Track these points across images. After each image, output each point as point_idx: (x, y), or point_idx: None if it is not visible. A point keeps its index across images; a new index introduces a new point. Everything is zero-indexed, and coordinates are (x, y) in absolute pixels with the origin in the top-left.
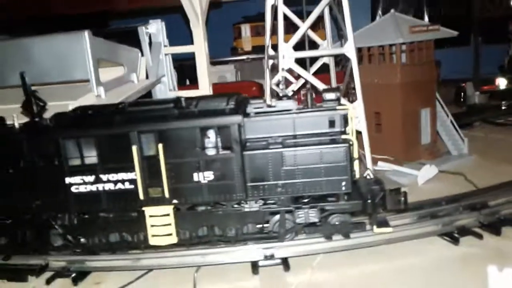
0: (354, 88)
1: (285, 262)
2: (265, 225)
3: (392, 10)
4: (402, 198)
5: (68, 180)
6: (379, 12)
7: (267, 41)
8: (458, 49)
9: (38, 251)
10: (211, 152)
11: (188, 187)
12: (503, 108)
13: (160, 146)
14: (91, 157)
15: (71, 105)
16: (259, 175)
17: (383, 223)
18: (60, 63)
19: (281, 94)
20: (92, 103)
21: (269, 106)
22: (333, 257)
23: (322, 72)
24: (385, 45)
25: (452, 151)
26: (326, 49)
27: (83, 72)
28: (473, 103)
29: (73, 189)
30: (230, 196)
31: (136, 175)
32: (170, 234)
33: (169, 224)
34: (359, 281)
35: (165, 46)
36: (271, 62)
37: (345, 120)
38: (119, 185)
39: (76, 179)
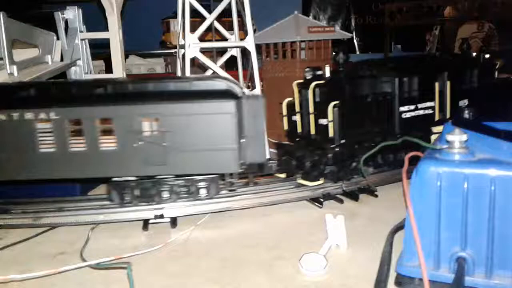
0: None
1: (173, 221)
2: None
3: (296, 12)
4: None
5: (401, 109)
6: None
7: (179, 31)
8: (378, 54)
9: None
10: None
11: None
12: None
13: (448, 82)
14: (413, 91)
15: None
16: None
17: None
18: None
19: None
20: (4, 80)
21: None
22: (217, 217)
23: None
24: (287, 42)
25: None
26: (233, 42)
27: None
28: None
29: (402, 116)
30: None
31: (435, 103)
32: None
33: None
34: (227, 238)
35: (81, 31)
36: (182, 51)
37: None
38: (426, 111)
39: (405, 108)
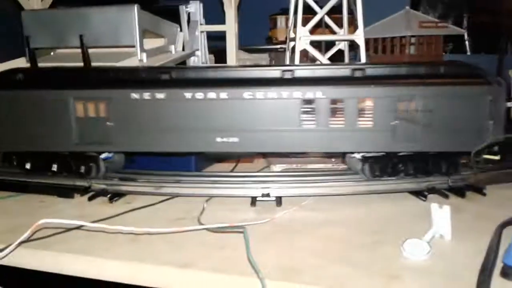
0: None
1: (279, 200)
2: None
3: (407, 7)
4: None
5: None
6: None
7: (290, 25)
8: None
9: None
10: None
11: None
12: None
13: None
14: None
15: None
16: None
17: None
18: (112, 31)
19: None
20: (135, 65)
21: None
22: (320, 201)
23: None
24: (396, 37)
25: None
26: (342, 35)
27: (130, 39)
28: None
29: None
30: None
31: None
32: None
33: None
34: (330, 220)
35: (201, 24)
36: (292, 44)
37: None
38: None
39: None
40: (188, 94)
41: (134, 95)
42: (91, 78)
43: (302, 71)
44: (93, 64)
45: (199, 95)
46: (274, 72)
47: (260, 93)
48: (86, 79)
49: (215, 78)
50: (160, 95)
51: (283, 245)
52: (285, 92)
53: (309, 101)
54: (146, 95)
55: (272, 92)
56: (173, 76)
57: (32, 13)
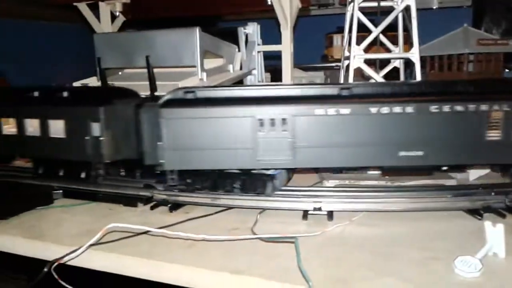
0: None
1: (330, 214)
2: None
3: (465, 25)
4: None
5: None
6: None
7: (345, 44)
8: None
9: None
10: None
11: None
12: None
13: None
14: None
15: (180, 85)
16: None
17: None
18: (175, 52)
19: None
20: (195, 84)
21: None
22: (371, 216)
23: None
24: (453, 55)
25: None
26: (397, 53)
27: (191, 59)
28: None
29: None
30: None
31: None
32: None
33: None
34: (381, 235)
35: (258, 44)
36: (346, 62)
37: None
38: None
39: None
40: (373, 109)
41: (319, 111)
42: (271, 94)
43: (484, 85)
44: (157, 83)
45: (385, 109)
46: (456, 86)
47: (447, 106)
48: (267, 96)
49: (396, 92)
50: (344, 110)
51: (332, 257)
52: (472, 105)
53: (494, 114)
54: (331, 111)
55: (459, 106)
56: (354, 92)
57: (103, 36)
